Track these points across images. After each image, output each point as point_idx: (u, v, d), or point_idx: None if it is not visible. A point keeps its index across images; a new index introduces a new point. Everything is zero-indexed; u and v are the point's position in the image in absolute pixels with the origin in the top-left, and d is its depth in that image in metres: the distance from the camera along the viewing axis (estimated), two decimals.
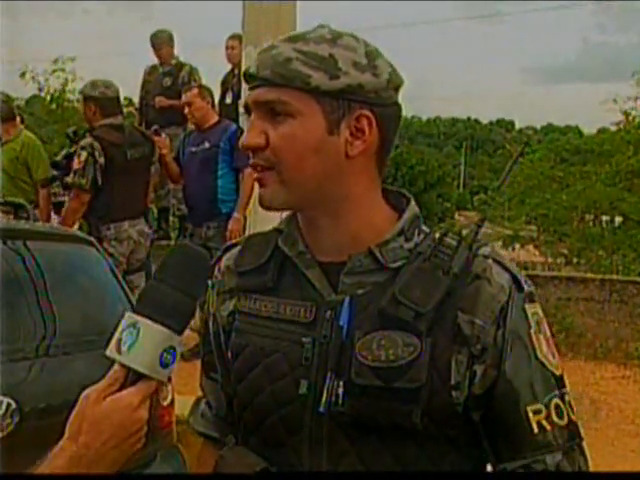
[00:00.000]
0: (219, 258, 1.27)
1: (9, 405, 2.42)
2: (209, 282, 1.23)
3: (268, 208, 1.14)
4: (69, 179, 4.74)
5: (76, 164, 4.66)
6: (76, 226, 4.75)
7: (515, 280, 1.11)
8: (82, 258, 3.21)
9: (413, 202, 1.18)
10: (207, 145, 5.34)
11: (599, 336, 7.38)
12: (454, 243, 1.11)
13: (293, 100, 1.07)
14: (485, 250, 1.12)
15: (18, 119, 5.83)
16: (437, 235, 1.13)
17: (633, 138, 11.74)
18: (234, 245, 1.26)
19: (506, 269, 1.12)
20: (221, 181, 5.33)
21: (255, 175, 1.12)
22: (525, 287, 1.12)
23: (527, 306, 1.11)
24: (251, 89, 1.11)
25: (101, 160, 4.65)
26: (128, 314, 1.01)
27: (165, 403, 2.93)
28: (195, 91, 5.41)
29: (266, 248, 1.19)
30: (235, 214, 5.21)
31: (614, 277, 8.19)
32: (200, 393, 1.37)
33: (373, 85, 1.09)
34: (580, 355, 7.15)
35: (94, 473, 0.97)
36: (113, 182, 4.67)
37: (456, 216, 31.33)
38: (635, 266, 10.06)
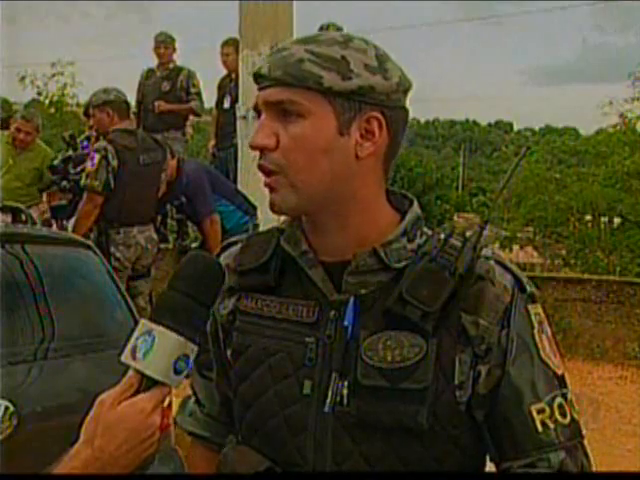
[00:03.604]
0: (217, 256, 1.25)
1: (7, 408, 2.42)
2: None
3: (279, 213, 1.14)
4: (82, 181, 4.75)
5: (89, 167, 4.67)
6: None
7: (518, 281, 1.12)
8: (80, 262, 3.22)
9: (416, 204, 1.18)
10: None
11: (596, 337, 7.39)
12: (459, 244, 1.11)
13: (305, 100, 1.07)
14: (487, 251, 1.13)
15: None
16: (442, 236, 1.13)
17: (629, 139, 11.76)
18: (233, 243, 1.26)
19: (508, 270, 1.13)
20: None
21: (264, 180, 1.12)
22: (527, 288, 1.13)
23: (530, 307, 1.12)
24: (261, 89, 1.11)
25: (114, 163, 4.65)
26: (143, 321, 1.03)
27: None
28: None
29: (267, 247, 1.18)
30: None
31: (611, 278, 8.20)
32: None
33: (384, 87, 1.09)
34: (578, 356, 7.15)
35: (106, 474, 0.99)
36: (125, 186, 4.68)
37: (455, 218, 31.22)
38: (632, 267, 10.07)
